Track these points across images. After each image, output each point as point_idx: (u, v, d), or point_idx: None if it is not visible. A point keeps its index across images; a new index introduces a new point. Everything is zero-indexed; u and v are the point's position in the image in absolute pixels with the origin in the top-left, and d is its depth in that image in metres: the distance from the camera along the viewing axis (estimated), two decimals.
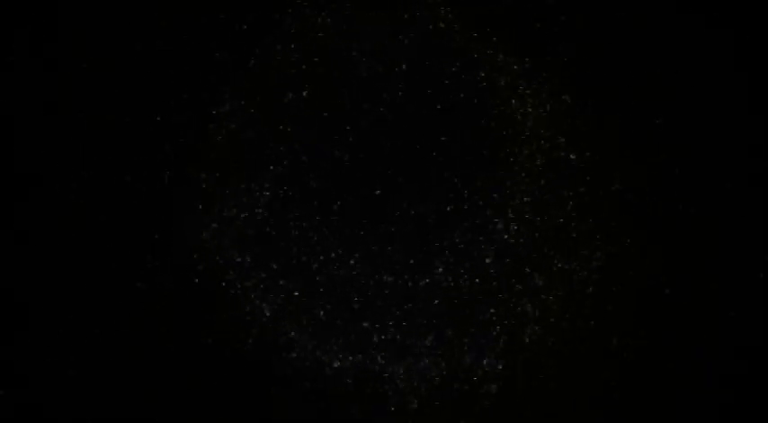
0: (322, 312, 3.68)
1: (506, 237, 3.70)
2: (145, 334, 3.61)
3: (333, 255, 3.69)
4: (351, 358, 3.66)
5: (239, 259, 3.68)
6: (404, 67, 3.74)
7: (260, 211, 3.70)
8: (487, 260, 3.69)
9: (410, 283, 3.68)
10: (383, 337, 3.67)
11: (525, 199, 3.70)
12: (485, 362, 3.65)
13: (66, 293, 3.61)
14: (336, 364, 3.65)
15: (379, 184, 3.70)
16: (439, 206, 3.70)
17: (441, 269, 3.69)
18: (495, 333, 3.66)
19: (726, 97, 3.69)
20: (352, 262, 3.69)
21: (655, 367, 3.63)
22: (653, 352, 3.63)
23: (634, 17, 3.71)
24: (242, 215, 3.70)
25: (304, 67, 3.74)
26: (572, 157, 3.71)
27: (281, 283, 3.68)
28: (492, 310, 3.67)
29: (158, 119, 3.67)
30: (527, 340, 3.65)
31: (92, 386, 3.60)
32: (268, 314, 3.66)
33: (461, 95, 3.74)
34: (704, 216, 3.67)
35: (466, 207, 3.70)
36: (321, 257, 3.69)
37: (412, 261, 3.69)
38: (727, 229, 3.66)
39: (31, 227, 3.63)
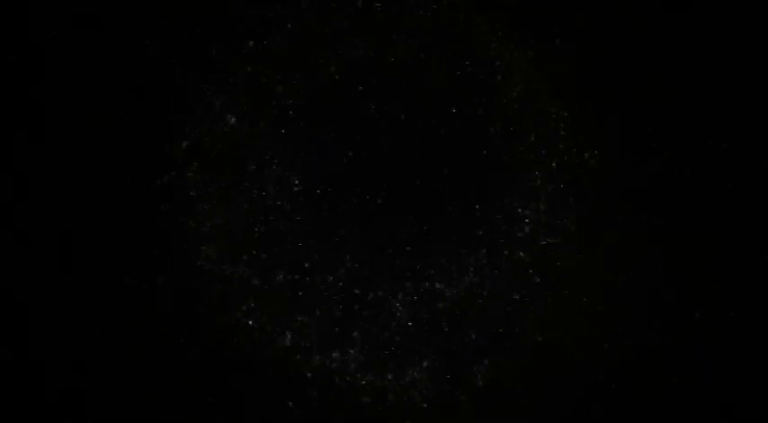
0: (319, 315, 3.68)
1: (508, 239, 3.70)
2: (143, 334, 3.62)
3: (332, 255, 3.69)
4: (349, 360, 3.67)
5: (237, 260, 3.68)
6: (405, 65, 3.74)
7: (259, 211, 3.70)
8: (487, 263, 3.69)
9: (410, 286, 3.68)
10: (382, 341, 3.67)
11: (530, 201, 3.70)
12: (484, 366, 3.65)
13: (66, 293, 3.62)
14: (334, 366, 3.66)
15: (379, 187, 3.69)
16: (440, 209, 3.69)
17: (441, 271, 3.69)
18: (495, 336, 3.66)
19: (726, 97, 3.68)
20: (351, 264, 3.69)
21: (654, 367, 3.63)
22: (652, 352, 3.63)
23: (635, 17, 3.71)
24: (240, 216, 3.70)
25: (303, 66, 3.74)
26: (586, 156, 3.70)
27: (279, 284, 3.69)
28: (491, 315, 3.67)
29: (158, 119, 3.67)
30: (528, 343, 3.65)
31: (91, 386, 3.60)
32: (266, 316, 3.67)
33: (463, 95, 3.74)
34: (704, 216, 3.66)
35: (468, 211, 3.70)
36: (320, 258, 3.69)
37: (412, 264, 3.69)
38: (728, 229, 3.66)
39: (31, 227, 3.64)
